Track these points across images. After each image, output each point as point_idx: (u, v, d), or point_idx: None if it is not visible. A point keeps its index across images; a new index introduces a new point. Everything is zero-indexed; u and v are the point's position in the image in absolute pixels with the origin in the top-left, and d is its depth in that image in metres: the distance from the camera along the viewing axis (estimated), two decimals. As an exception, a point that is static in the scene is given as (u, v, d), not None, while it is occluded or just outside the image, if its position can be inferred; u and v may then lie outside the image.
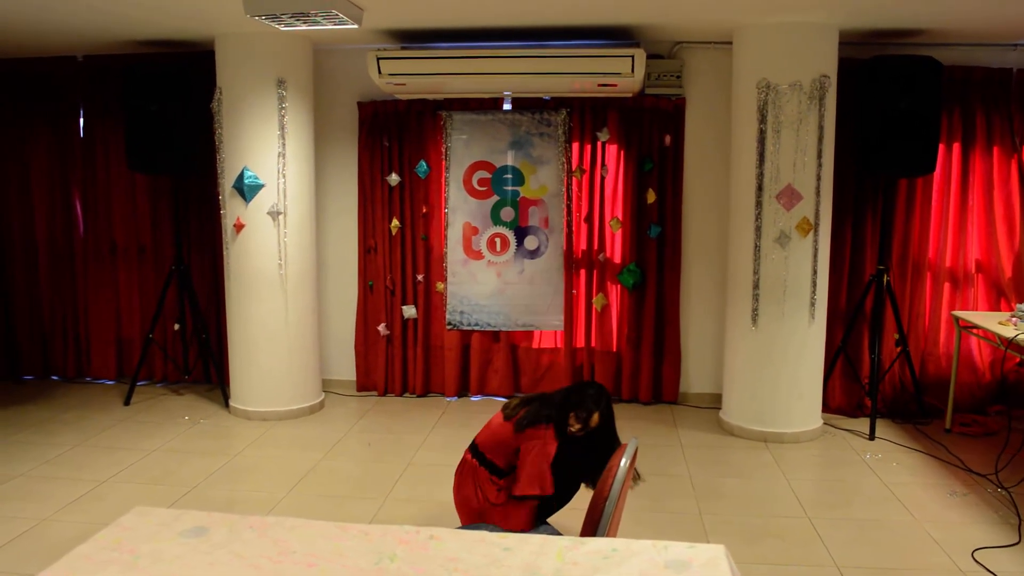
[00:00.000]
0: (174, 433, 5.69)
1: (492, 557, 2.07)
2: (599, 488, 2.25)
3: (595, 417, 3.37)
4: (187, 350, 6.73)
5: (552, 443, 3.35)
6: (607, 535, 2.17)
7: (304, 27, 4.88)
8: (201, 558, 1.98)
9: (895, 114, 5.29)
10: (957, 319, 5.66)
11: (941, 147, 5.69)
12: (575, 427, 3.36)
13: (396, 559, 2.04)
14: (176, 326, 6.65)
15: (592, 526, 2.19)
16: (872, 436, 5.58)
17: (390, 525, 2.07)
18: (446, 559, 2.06)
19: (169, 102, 5.87)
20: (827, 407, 5.95)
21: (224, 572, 1.91)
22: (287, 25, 4.82)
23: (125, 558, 2.04)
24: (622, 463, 2.29)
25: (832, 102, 5.32)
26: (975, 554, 3.88)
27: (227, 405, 6.20)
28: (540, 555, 2.06)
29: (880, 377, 5.84)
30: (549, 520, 3.69)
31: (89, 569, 1.96)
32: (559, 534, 3.58)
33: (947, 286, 6.08)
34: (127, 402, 6.32)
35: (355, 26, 4.83)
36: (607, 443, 3.39)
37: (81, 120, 6.71)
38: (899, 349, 5.90)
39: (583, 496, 3.78)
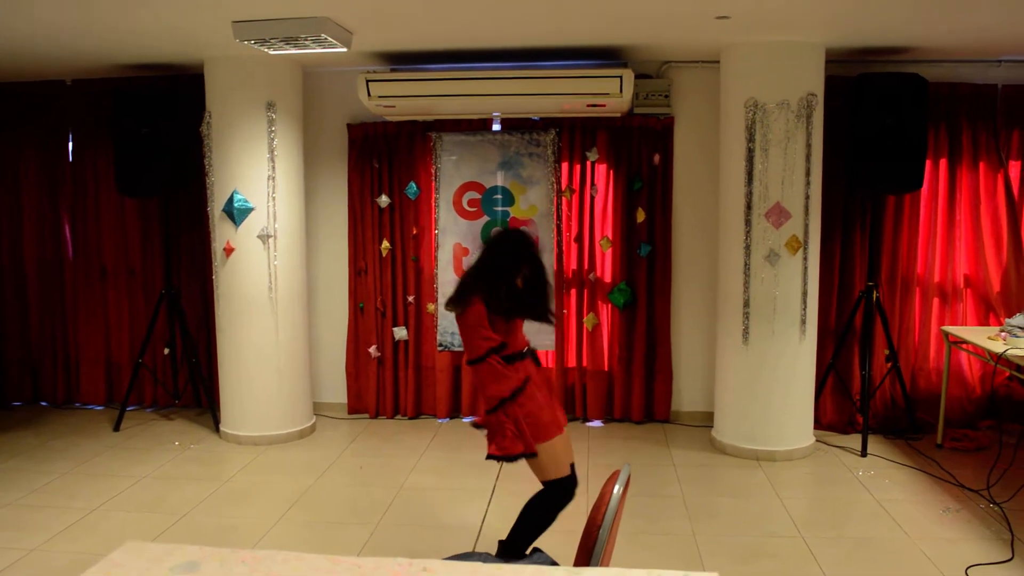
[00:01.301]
0: (165, 459, 5.65)
1: (486, 588, 2.06)
2: (592, 516, 2.24)
3: (524, 270, 3.60)
4: (177, 374, 6.69)
5: (479, 306, 3.51)
6: (601, 563, 2.16)
7: (293, 51, 4.91)
8: (193, 593, 1.96)
9: (882, 131, 5.33)
10: (947, 334, 5.68)
11: (928, 163, 5.72)
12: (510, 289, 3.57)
13: (390, 591, 2.02)
14: (166, 350, 6.61)
15: (586, 554, 2.18)
16: (864, 452, 5.59)
17: (382, 558, 2.06)
18: (440, 590, 2.05)
19: (158, 125, 5.88)
20: (819, 424, 5.96)
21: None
22: (276, 49, 4.84)
23: (116, 594, 2.02)
24: (615, 491, 2.28)
25: (819, 120, 5.36)
26: (969, 571, 3.88)
27: (217, 430, 6.17)
28: (535, 585, 2.04)
29: (871, 393, 5.86)
30: (542, 548, 3.68)
31: (80, 606, 1.94)
32: (554, 563, 3.57)
33: (936, 301, 6.11)
34: (117, 428, 6.28)
35: (344, 49, 4.85)
36: (540, 282, 3.67)
37: (70, 143, 6.71)
38: (889, 365, 5.91)
39: (577, 519, 3.77)
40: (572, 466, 3.73)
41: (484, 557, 3.23)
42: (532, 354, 3.74)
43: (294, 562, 2.01)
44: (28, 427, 6.39)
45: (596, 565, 2.14)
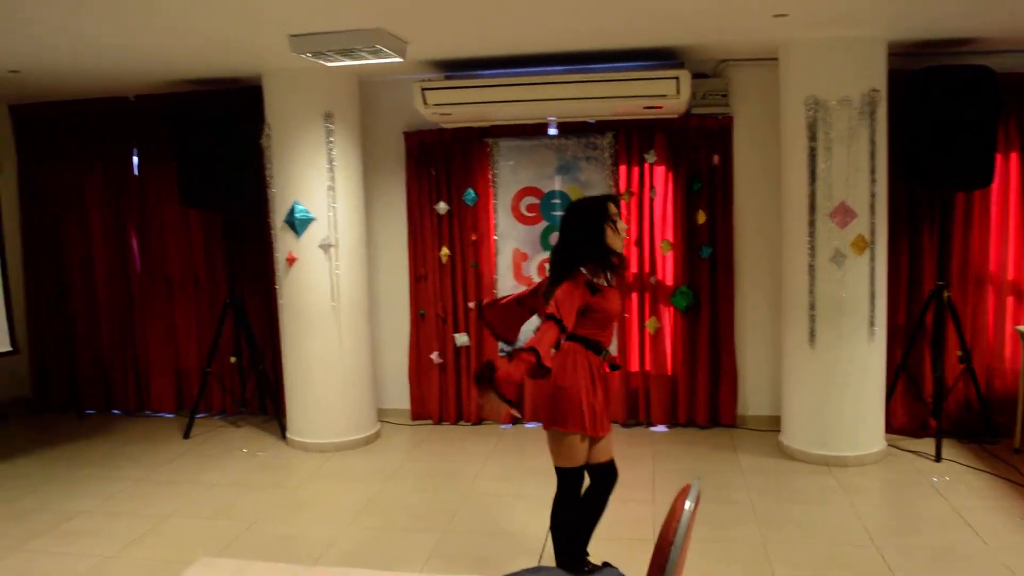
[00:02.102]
0: (233, 466, 5.74)
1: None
2: (664, 532, 2.20)
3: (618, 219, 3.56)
4: (244, 382, 6.80)
5: (568, 282, 3.45)
6: (673, 581, 2.13)
7: (349, 62, 4.94)
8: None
9: (949, 126, 5.16)
10: (1022, 334, 5.49)
11: (999, 157, 5.54)
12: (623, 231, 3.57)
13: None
14: (232, 359, 6.73)
15: (658, 571, 2.15)
16: (938, 457, 5.43)
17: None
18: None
19: (219, 139, 5.98)
20: (890, 427, 5.80)
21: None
22: (332, 61, 4.89)
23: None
24: (687, 506, 2.24)
25: (883, 116, 5.22)
26: (1052, 582, 3.75)
27: (284, 437, 6.25)
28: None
29: (944, 395, 5.69)
30: (614, 564, 3.65)
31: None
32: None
33: (1010, 299, 5.90)
34: (187, 435, 6.41)
35: (400, 59, 4.87)
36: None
37: (135, 158, 6.87)
38: (963, 366, 5.74)
39: (641, 526, 3.74)
40: (612, 461, 3.70)
41: (552, 572, 3.21)
42: (607, 355, 3.64)
43: (364, 582, 2.01)
44: (102, 435, 6.56)
45: (667, 584, 2.11)
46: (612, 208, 3.56)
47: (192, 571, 2.10)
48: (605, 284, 3.58)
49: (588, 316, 3.52)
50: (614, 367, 3.73)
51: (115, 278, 7.04)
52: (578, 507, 3.66)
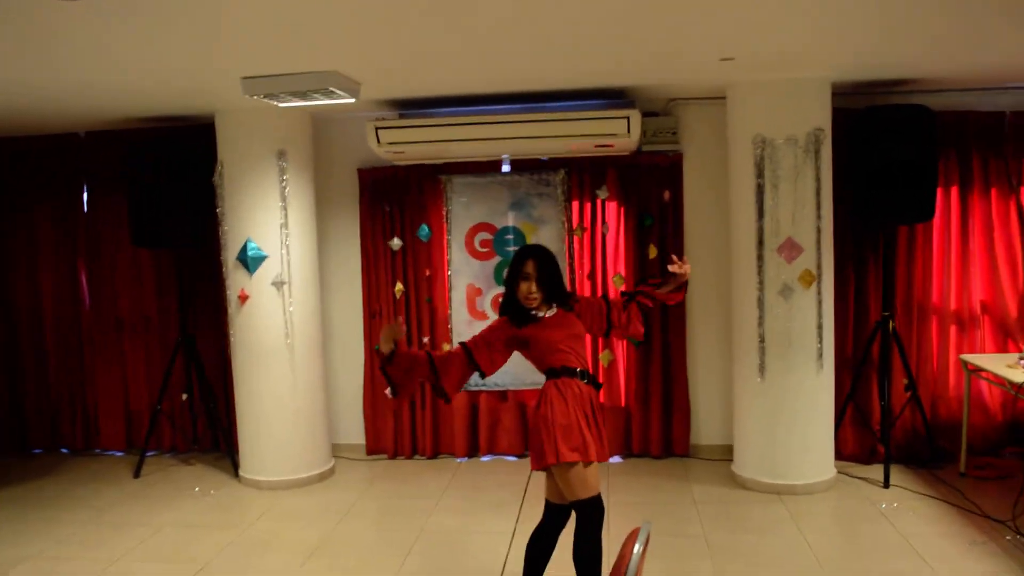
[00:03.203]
0: (185, 506, 5.67)
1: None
2: (613, 577, 2.24)
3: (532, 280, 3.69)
4: (196, 420, 6.73)
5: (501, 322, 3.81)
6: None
7: (303, 103, 4.96)
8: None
9: (892, 162, 5.32)
10: (965, 363, 5.65)
11: (939, 192, 5.71)
12: (532, 293, 3.70)
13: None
14: (184, 396, 6.65)
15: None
16: (887, 484, 5.54)
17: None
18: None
19: (171, 177, 5.95)
20: (840, 455, 5.91)
21: None
22: (285, 102, 4.90)
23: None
24: (635, 550, 2.28)
25: (828, 154, 5.37)
26: (997, 609, 3.84)
27: (237, 474, 6.19)
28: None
29: (891, 423, 5.81)
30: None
31: None
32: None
33: (953, 329, 6.07)
34: (137, 474, 6.32)
35: (352, 100, 4.90)
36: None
37: (85, 195, 6.79)
38: (909, 394, 5.87)
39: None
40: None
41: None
42: (584, 375, 3.70)
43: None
44: (49, 475, 6.44)
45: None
46: (527, 267, 3.69)
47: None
48: (543, 315, 3.73)
49: (526, 351, 3.74)
50: (595, 384, 3.78)
51: (64, 316, 6.93)
52: (599, 541, 3.63)
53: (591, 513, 3.58)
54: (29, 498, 5.88)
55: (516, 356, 3.83)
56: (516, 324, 3.72)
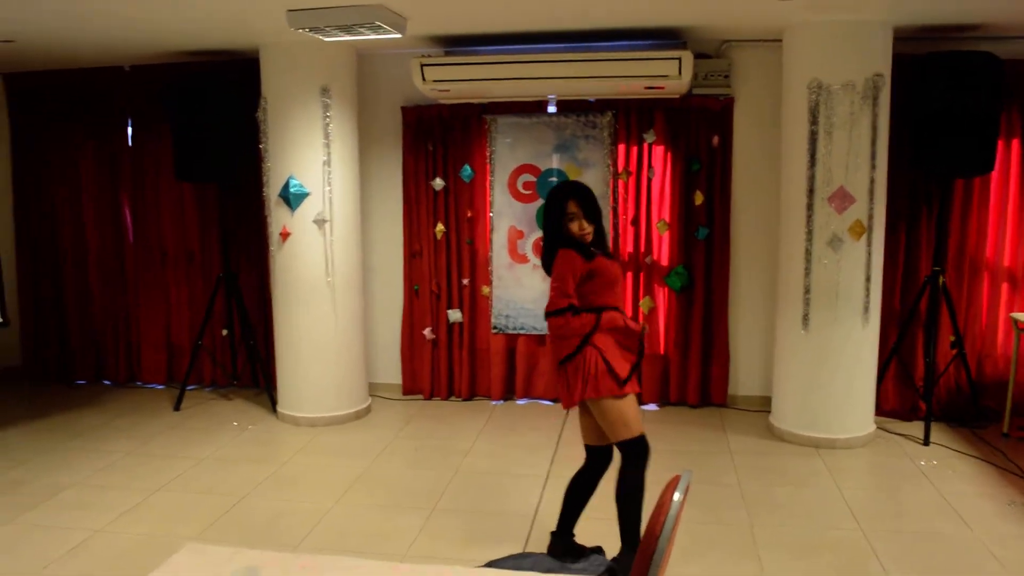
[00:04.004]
0: (223, 440, 5.75)
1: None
2: (651, 524, 2.20)
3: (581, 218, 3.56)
4: (235, 355, 6.80)
5: (561, 255, 3.55)
6: (659, 574, 2.13)
7: (348, 38, 4.89)
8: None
9: (951, 112, 5.13)
10: (1016, 321, 5.50)
11: (999, 144, 5.51)
12: (586, 229, 3.57)
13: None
14: (224, 332, 6.72)
15: (644, 564, 2.15)
16: (927, 441, 5.46)
17: (441, 566, 2.05)
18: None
19: (215, 112, 5.93)
20: (880, 410, 5.82)
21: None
22: (330, 36, 4.83)
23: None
24: (675, 497, 2.23)
25: (886, 102, 5.19)
26: (1036, 570, 3.77)
27: (275, 410, 6.25)
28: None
29: (935, 380, 5.70)
30: (602, 545, 3.65)
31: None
32: (611, 564, 3.55)
33: (1005, 286, 5.91)
34: (177, 407, 6.41)
35: (399, 36, 4.82)
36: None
37: (129, 129, 6.80)
38: (955, 351, 5.75)
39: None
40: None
41: (538, 558, 3.21)
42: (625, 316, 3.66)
43: (354, 570, 2.01)
44: (92, 406, 6.55)
45: (655, 575, 2.11)
46: (571, 207, 3.55)
47: (178, 558, 2.10)
48: (595, 252, 3.62)
49: (588, 283, 3.56)
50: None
51: (108, 250, 7.00)
52: (643, 482, 3.59)
53: (637, 453, 3.55)
54: (73, 428, 6.00)
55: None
56: (585, 257, 3.56)
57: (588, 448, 3.73)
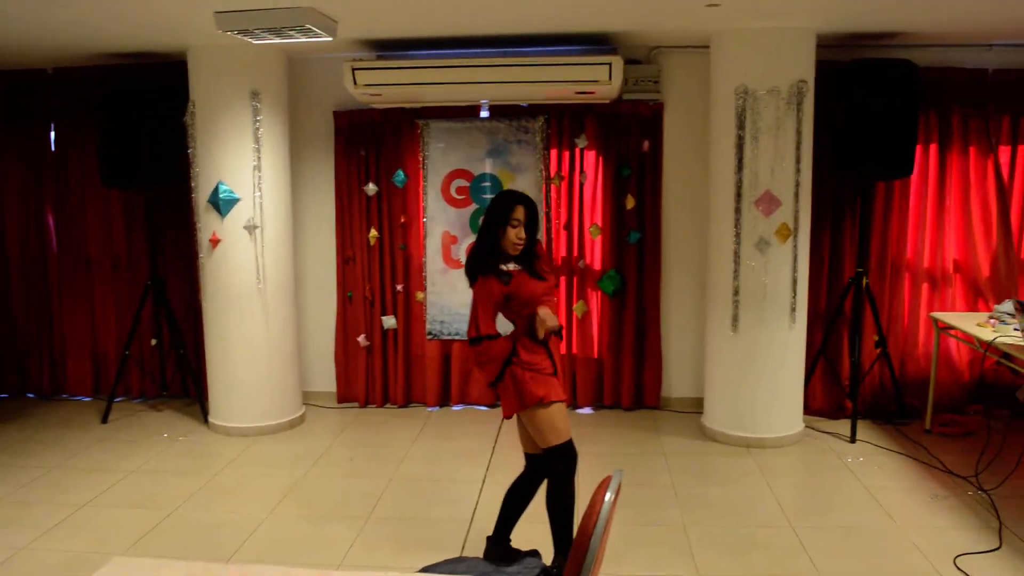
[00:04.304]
0: (153, 452, 5.62)
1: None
2: (583, 524, 2.22)
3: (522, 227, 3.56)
4: (164, 365, 6.66)
5: (494, 285, 3.53)
6: (592, 573, 2.15)
7: (278, 40, 4.81)
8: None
9: (872, 117, 5.28)
10: (936, 320, 5.68)
11: (918, 148, 5.70)
12: (521, 239, 3.56)
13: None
14: (153, 341, 6.57)
15: (577, 564, 2.17)
16: (853, 439, 5.60)
17: (375, 573, 2.04)
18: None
19: (141, 116, 5.80)
20: (808, 409, 5.97)
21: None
22: (260, 39, 4.74)
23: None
24: (607, 498, 2.26)
25: (810, 107, 5.33)
26: (957, 560, 3.90)
27: (206, 421, 6.14)
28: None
29: (860, 379, 5.86)
30: (538, 548, 3.66)
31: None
32: (546, 567, 3.57)
33: (925, 287, 6.11)
34: (105, 419, 6.25)
35: (329, 39, 4.76)
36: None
37: (52, 133, 6.61)
38: (879, 351, 5.92)
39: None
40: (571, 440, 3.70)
41: (473, 562, 3.21)
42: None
43: (283, 577, 1.99)
44: (15, 420, 6.35)
45: (587, 575, 2.13)
46: (518, 213, 3.55)
47: (104, 572, 2.04)
48: (514, 270, 3.61)
49: (508, 304, 3.59)
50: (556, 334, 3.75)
51: (31, 258, 6.78)
52: (572, 488, 3.64)
53: (567, 459, 3.59)
54: (-6, 441, 5.81)
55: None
56: (502, 281, 3.56)
57: (527, 456, 3.76)
